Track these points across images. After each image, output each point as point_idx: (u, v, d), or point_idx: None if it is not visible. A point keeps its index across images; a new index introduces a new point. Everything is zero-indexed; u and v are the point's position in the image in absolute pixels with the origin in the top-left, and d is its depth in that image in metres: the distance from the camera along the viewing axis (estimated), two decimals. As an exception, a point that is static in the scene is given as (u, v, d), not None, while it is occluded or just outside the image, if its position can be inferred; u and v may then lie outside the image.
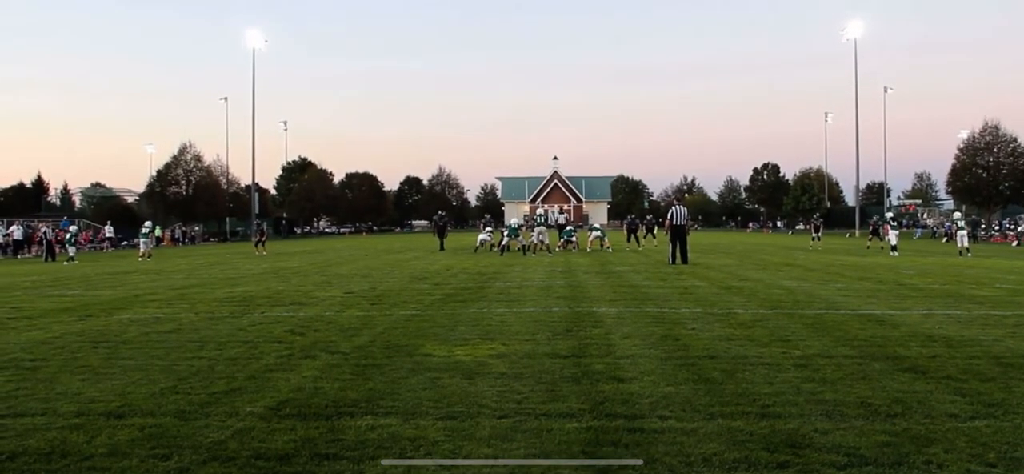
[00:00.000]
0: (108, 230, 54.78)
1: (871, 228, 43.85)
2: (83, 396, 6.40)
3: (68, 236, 37.19)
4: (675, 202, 25.48)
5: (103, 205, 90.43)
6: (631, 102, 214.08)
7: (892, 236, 32.86)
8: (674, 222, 24.06)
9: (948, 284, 16.48)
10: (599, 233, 36.03)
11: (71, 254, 35.01)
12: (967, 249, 31.69)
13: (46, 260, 36.09)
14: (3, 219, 55.24)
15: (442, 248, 36.76)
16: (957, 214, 36.93)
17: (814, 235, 42.87)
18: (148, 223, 39.81)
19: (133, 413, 5.80)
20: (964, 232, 32.71)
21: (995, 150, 71.56)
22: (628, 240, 40.77)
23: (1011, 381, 6.68)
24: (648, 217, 49.17)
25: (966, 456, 4.64)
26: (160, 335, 9.90)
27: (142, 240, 36.52)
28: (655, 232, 43.03)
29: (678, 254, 23.66)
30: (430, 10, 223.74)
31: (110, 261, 34.73)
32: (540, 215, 37.47)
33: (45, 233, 40.06)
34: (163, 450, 4.88)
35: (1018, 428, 5.24)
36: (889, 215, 37.56)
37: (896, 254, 30.84)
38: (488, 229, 36.76)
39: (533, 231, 34.00)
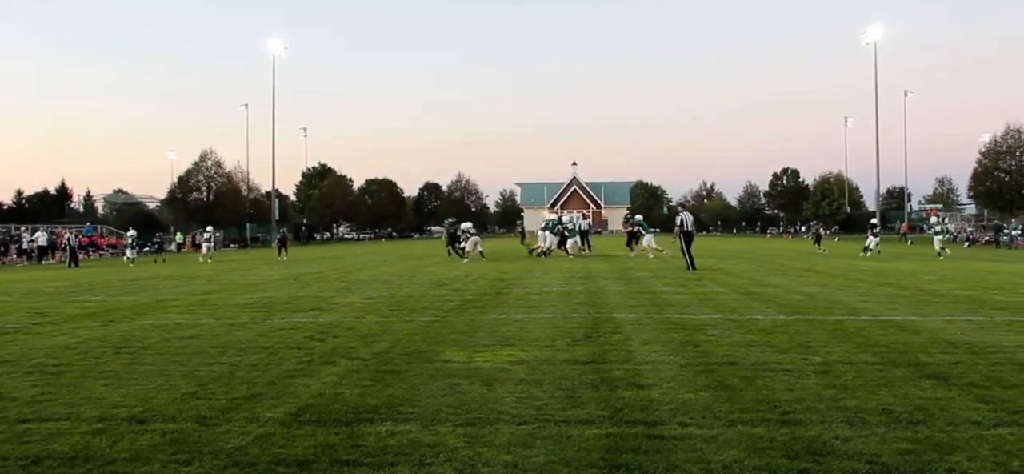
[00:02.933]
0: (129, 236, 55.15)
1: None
2: (106, 401, 6.45)
3: (129, 241, 38.81)
4: (680, 209, 25.86)
5: (125, 211, 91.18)
6: (650, 108, 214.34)
7: (871, 241, 36.91)
8: (685, 228, 24.30)
9: (970, 290, 16.33)
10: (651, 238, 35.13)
11: (130, 255, 38.57)
12: (940, 252, 34.72)
13: (70, 266, 36.51)
14: (28, 225, 55.71)
15: (450, 255, 35.74)
16: (933, 218, 39.06)
17: (817, 244, 44.02)
18: (209, 228, 45.23)
19: (155, 418, 5.84)
20: (940, 237, 36.22)
21: (1018, 154, 71.08)
22: (628, 244, 39.54)
23: (1035, 388, 6.62)
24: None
25: (990, 464, 4.60)
26: (181, 341, 9.96)
27: (205, 243, 42.39)
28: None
29: (689, 257, 23.93)
30: (448, 18, 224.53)
31: (132, 267, 34.98)
32: (554, 219, 37.34)
33: (69, 239, 40.54)
34: (185, 455, 4.91)
35: (1042, 436, 5.20)
36: (873, 222, 39.88)
37: (868, 254, 35.25)
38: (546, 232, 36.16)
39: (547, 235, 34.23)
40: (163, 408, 6.17)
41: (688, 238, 24.28)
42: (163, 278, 24.27)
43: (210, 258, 40.76)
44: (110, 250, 57.19)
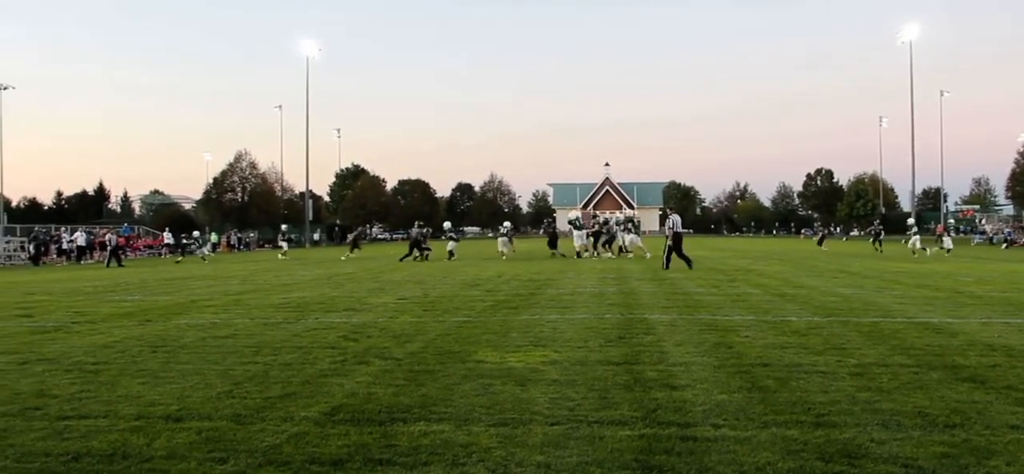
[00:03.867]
0: (166, 236, 55.64)
1: (873, 235, 47.82)
2: (143, 399, 6.53)
3: (199, 240, 44.34)
4: (670, 212, 27.40)
5: (161, 212, 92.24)
6: (684, 108, 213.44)
7: (916, 240, 39.48)
8: (675, 230, 25.72)
9: (1008, 292, 16.11)
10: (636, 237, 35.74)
11: (206, 252, 42.91)
12: (918, 250, 38.50)
13: (109, 265, 37.02)
14: (67, 226, 56.49)
15: (412, 258, 34.52)
16: (911, 220, 42.86)
17: (820, 244, 48.61)
18: (285, 226, 48.32)
19: (191, 416, 5.91)
20: (916, 238, 39.53)
21: (1058, 154, 70.14)
22: (596, 246, 37.67)
23: (1075, 392, 6.52)
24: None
25: (1028, 468, 4.54)
26: (216, 340, 10.06)
27: (283, 242, 46.65)
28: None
29: (677, 258, 24.97)
30: (481, 19, 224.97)
31: (168, 267, 35.35)
32: (578, 218, 37.51)
33: (110, 240, 41.20)
34: (220, 453, 4.97)
35: (1082, 440, 5.12)
36: (877, 222, 42.10)
37: (942, 252, 37.72)
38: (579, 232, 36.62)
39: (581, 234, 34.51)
40: (199, 407, 6.24)
41: (677, 239, 25.44)
42: (198, 278, 24.51)
43: (286, 255, 44.16)
44: (146, 250, 57.75)
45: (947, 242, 38.52)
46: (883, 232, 41.75)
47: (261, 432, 5.46)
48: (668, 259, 24.87)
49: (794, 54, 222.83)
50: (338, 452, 4.97)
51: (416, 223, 38.25)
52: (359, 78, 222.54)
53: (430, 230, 38.45)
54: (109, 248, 39.71)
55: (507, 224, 37.96)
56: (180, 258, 43.46)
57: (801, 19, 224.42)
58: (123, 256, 41.17)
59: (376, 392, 6.68)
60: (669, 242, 25.19)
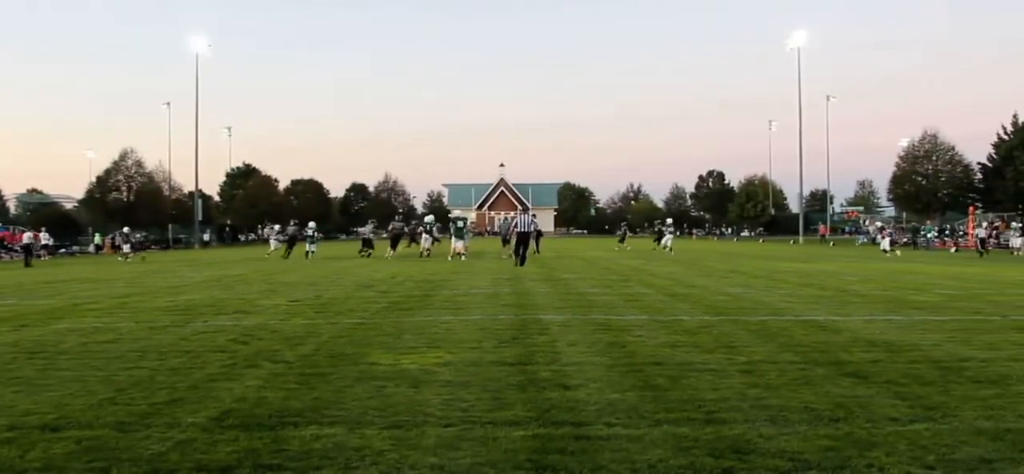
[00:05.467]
0: (44, 237, 53.35)
1: (656, 234, 53.63)
2: (16, 409, 6.22)
3: (120, 240, 43.97)
4: (517, 214, 31.07)
5: (40, 212, 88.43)
6: (580, 110, 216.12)
7: (668, 238, 43.37)
8: (519, 229, 28.96)
9: (889, 290, 16.79)
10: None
11: (126, 250, 42.28)
12: (668, 247, 41.99)
13: (28, 265, 36.19)
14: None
15: (287, 257, 38.26)
16: (669, 220, 47.70)
17: (621, 242, 55.47)
18: (312, 223, 43.23)
19: (70, 425, 5.66)
20: (669, 237, 43.24)
21: (934, 158, 73.81)
22: (394, 247, 38.46)
23: (949, 384, 6.82)
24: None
25: (907, 459, 4.71)
26: (99, 345, 9.68)
27: (309, 243, 42.19)
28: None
29: (521, 255, 27.63)
30: (374, 16, 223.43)
31: (48, 269, 33.97)
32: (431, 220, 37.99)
33: (28, 237, 40.83)
34: (101, 463, 4.77)
35: (956, 430, 5.35)
36: (669, 221, 46.80)
37: (672, 252, 40.49)
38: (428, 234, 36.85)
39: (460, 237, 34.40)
40: (79, 415, 5.98)
41: (521, 238, 28.32)
42: (80, 281, 23.61)
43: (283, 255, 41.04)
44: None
45: (885, 244, 39.79)
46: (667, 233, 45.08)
47: (146, 440, 5.27)
48: (522, 254, 27.47)
49: (688, 59, 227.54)
50: (227, 459, 4.83)
51: (292, 222, 39.39)
52: (250, 75, 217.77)
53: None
54: (33, 247, 39.17)
55: (429, 218, 38.31)
56: (131, 258, 41.85)
57: (696, 23, 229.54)
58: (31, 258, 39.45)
59: (266, 396, 6.54)
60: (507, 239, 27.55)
